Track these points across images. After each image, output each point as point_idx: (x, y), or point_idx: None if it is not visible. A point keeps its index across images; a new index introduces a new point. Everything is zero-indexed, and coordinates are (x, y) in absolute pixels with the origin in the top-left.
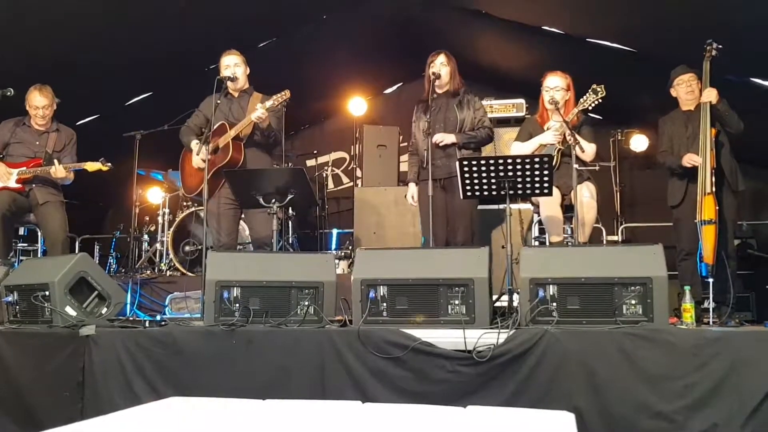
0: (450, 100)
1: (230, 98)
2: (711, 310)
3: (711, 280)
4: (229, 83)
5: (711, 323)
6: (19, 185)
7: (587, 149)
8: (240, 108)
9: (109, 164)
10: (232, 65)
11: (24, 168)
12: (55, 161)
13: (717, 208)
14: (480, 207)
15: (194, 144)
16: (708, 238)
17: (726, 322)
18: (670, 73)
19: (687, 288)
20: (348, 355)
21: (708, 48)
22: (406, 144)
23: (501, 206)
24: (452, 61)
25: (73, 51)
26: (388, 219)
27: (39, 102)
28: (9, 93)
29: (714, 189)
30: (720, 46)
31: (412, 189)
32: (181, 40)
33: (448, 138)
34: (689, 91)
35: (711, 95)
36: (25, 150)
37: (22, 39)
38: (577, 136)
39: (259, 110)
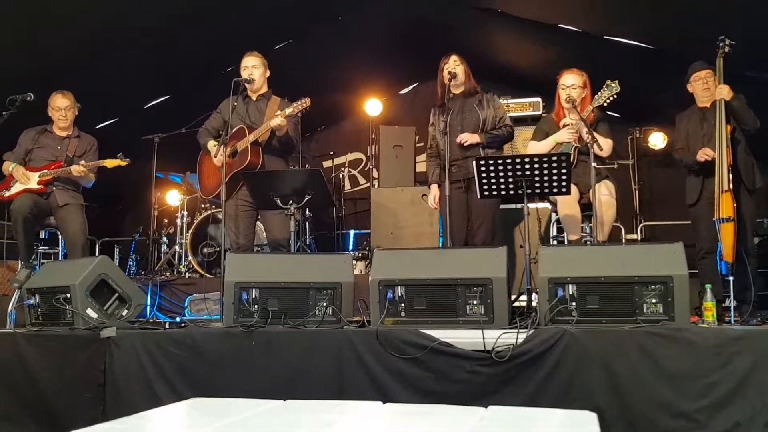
0: (467, 100)
1: (248, 101)
2: (732, 308)
3: (731, 278)
4: (247, 85)
5: (732, 322)
6: (40, 186)
7: (604, 146)
8: (258, 112)
9: (128, 159)
10: (250, 67)
11: (45, 171)
12: (81, 162)
13: (735, 205)
14: (501, 207)
15: (211, 145)
16: (727, 236)
17: (747, 320)
18: (685, 69)
19: (708, 286)
20: (367, 356)
21: (721, 45)
22: (422, 144)
23: (518, 205)
24: (464, 61)
25: (91, 55)
26: (405, 219)
27: (61, 103)
28: (29, 98)
29: (731, 186)
30: (733, 42)
31: (435, 191)
32: (198, 43)
33: (473, 138)
34: (705, 88)
35: (723, 92)
36: (47, 154)
37: (41, 43)
38: (594, 133)
39: (278, 118)
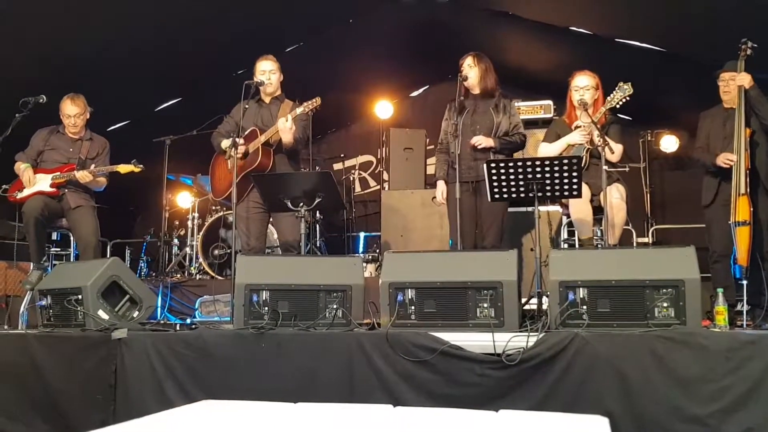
0: (482, 103)
1: (261, 104)
2: (745, 312)
3: (745, 282)
4: (260, 88)
5: (745, 326)
6: (53, 189)
7: (615, 150)
8: (270, 115)
9: (141, 165)
10: (268, 71)
11: (58, 173)
12: (92, 166)
13: (751, 209)
14: (509, 209)
15: (225, 143)
16: (742, 240)
17: (760, 324)
18: (698, 72)
19: (720, 290)
20: (377, 359)
21: (743, 47)
22: (432, 147)
23: (529, 208)
24: (483, 62)
25: (102, 57)
26: (415, 222)
27: (71, 111)
28: (42, 100)
29: (748, 190)
30: (755, 45)
31: (441, 187)
32: (209, 46)
33: (487, 141)
34: (725, 90)
35: (744, 80)
36: (59, 156)
37: (52, 45)
38: (606, 137)
39: (288, 121)
